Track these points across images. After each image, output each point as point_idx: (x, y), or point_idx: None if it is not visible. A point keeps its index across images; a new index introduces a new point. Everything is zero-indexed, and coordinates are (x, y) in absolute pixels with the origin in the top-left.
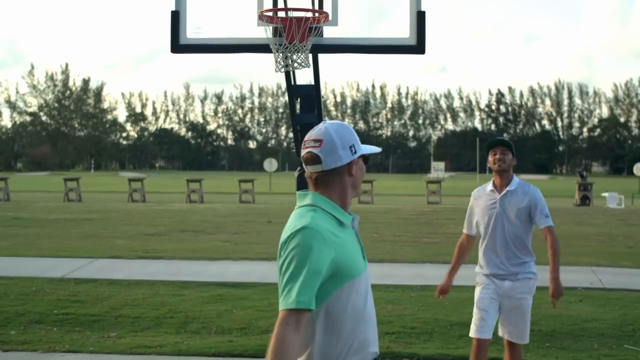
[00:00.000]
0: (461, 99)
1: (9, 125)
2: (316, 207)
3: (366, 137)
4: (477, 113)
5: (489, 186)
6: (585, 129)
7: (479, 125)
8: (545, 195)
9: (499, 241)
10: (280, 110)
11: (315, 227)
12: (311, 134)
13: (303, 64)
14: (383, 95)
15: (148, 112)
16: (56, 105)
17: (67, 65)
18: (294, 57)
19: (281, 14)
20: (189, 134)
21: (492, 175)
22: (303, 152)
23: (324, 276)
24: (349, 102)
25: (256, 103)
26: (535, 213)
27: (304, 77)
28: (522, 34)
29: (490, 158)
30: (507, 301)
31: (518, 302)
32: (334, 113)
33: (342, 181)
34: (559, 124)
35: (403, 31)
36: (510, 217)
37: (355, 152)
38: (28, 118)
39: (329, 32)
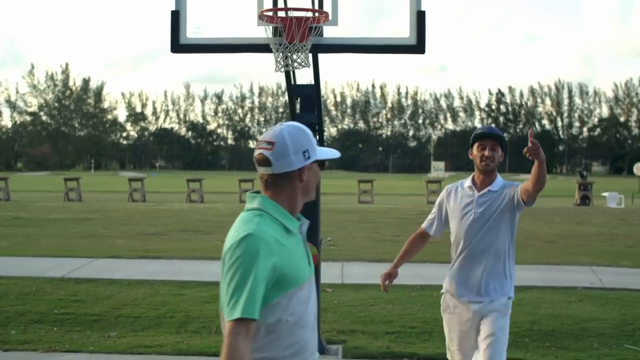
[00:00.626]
0: (461, 98)
1: (9, 125)
2: (263, 211)
3: (366, 137)
4: (477, 113)
5: (467, 182)
6: (585, 129)
7: (479, 125)
8: (546, 195)
9: (476, 254)
10: (280, 110)
11: (260, 234)
12: (265, 135)
13: (303, 63)
14: (383, 95)
15: (148, 111)
16: (56, 105)
17: (67, 65)
18: (294, 56)
19: (281, 13)
20: (189, 133)
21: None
22: (255, 152)
23: (267, 284)
24: (349, 102)
25: (256, 103)
26: (514, 191)
27: (304, 76)
28: (522, 34)
29: (475, 152)
30: (481, 320)
31: (492, 315)
32: (334, 113)
33: (293, 186)
34: (559, 123)
35: (403, 31)
36: (491, 222)
37: (308, 158)
38: (28, 118)
39: (329, 32)
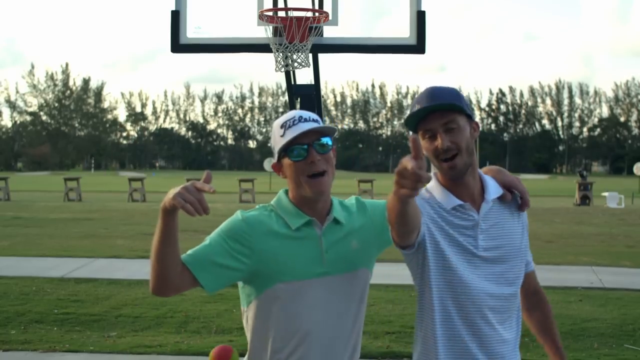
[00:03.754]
0: None
1: (9, 125)
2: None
3: (366, 137)
4: (477, 112)
5: (444, 195)
6: (585, 129)
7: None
8: (546, 195)
9: (480, 308)
10: (280, 110)
11: (244, 214)
12: None
13: (303, 63)
14: (382, 95)
15: (148, 111)
16: (56, 104)
17: (67, 64)
18: (294, 56)
19: (281, 13)
20: (189, 133)
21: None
22: None
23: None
24: (348, 101)
25: (256, 103)
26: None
27: (304, 76)
28: (521, 34)
29: (424, 144)
30: None
31: None
32: (334, 113)
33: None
34: (559, 123)
35: (403, 31)
36: (499, 252)
37: (277, 155)
38: (28, 118)
39: (329, 32)
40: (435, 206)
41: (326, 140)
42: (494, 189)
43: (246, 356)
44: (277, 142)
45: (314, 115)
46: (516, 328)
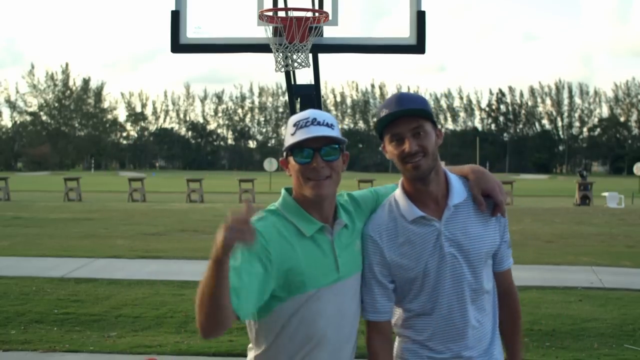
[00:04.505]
0: (461, 98)
1: (9, 125)
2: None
3: (366, 137)
4: (477, 113)
5: (407, 206)
6: (585, 129)
7: (479, 125)
8: (546, 195)
9: (453, 304)
10: (280, 110)
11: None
12: None
13: (303, 63)
14: (382, 95)
15: (148, 111)
16: (56, 105)
17: (67, 64)
18: (294, 56)
19: (281, 13)
20: (189, 133)
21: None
22: None
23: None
24: (348, 101)
25: (256, 103)
26: (503, 226)
27: (304, 76)
28: (520, 34)
29: (390, 148)
30: None
31: None
32: (334, 113)
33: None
34: (559, 123)
35: (403, 31)
36: (466, 256)
37: (285, 151)
38: (28, 118)
39: (329, 32)
40: (399, 219)
41: (334, 148)
42: (457, 194)
43: None
44: (287, 139)
45: (329, 119)
46: (492, 322)
